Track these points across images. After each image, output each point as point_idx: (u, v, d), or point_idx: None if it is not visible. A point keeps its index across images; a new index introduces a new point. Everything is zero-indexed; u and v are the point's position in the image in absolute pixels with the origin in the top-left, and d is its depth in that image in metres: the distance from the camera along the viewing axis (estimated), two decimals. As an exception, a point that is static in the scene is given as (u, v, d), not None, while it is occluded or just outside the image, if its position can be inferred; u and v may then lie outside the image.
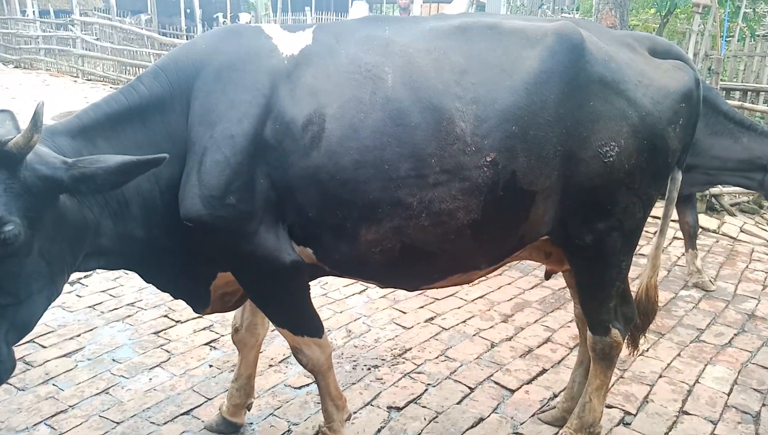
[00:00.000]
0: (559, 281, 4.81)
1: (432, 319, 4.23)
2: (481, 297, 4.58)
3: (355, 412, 3.16)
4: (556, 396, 3.34)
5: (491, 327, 4.12)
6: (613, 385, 3.40)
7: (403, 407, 3.22)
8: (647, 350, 3.80)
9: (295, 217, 2.27)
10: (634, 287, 3.02)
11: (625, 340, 2.93)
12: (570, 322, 4.17)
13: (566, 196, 2.38)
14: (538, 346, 3.88)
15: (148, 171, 2.00)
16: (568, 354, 3.77)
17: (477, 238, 2.36)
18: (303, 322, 2.56)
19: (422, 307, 4.40)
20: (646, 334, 3.11)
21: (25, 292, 1.93)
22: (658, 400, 3.34)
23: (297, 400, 3.27)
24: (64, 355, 3.61)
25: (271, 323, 2.85)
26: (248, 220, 2.20)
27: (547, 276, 3.10)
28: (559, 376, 3.53)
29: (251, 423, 3.07)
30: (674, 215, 4.32)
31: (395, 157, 2.19)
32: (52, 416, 3.06)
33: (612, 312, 2.72)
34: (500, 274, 4.91)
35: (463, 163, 2.22)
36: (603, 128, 2.32)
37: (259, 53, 2.28)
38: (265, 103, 2.19)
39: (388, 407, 3.22)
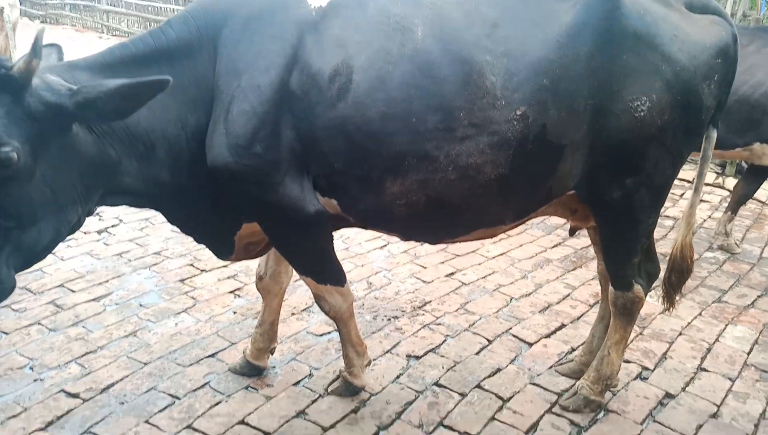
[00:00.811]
0: (581, 241, 4.80)
1: (452, 274, 4.25)
2: (502, 254, 4.58)
3: (374, 359, 3.23)
4: (573, 350, 3.37)
5: (511, 283, 4.14)
6: (632, 342, 3.41)
7: (422, 356, 3.28)
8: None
9: (321, 168, 2.27)
10: (664, 247, 3.00)
11: (660, 297, 2.94)
12: (591, 280, 4.17)
13: (595, 150, 2.36)
14: (558, 302, 3.90)
15: (151, 95, 1.95)
16: (588, 310, 3.78)
17: (503, 193, 2.35)
18: (326, 271, 2.60)
19: (443, 262, 4.42)
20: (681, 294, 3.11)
21: (28, 217, 1.94)
22: (677, 357, 3.35)
23: (318, 347, 3.34)
24: (93, 300, 3.72)
25: (294, 273, 2.91)
26: (274, 169, 2.22)
27: (572, 232, 3.09)
28: (578, 332, 3.55)
29: (274, 367, 3.15)
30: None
31: (423, 109, 2.18)
32: (82, 356, 3.18)
33: (635, 268, 2.72)
34: (522, 233, 4.91)
35: (492, 117, 2.20)
36: (635, 82, 2.28)
37: (287, 3, 2.27)
38: (292, 54, 2.18)
39: (407, 356, 3.28)
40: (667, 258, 2.85)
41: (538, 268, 4.39)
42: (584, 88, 2.25)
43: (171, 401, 2.87)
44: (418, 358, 3.26)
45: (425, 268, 4.34)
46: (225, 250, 2.60)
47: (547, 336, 3.51)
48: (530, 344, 3.42)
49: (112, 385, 2.96)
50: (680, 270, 2.88)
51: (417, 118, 2.18)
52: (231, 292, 3.92)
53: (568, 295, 4.01)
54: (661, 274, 2.91)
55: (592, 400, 2.84)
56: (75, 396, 2.87)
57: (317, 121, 2.18)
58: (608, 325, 2.95)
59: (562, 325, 3.63)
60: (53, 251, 4.08)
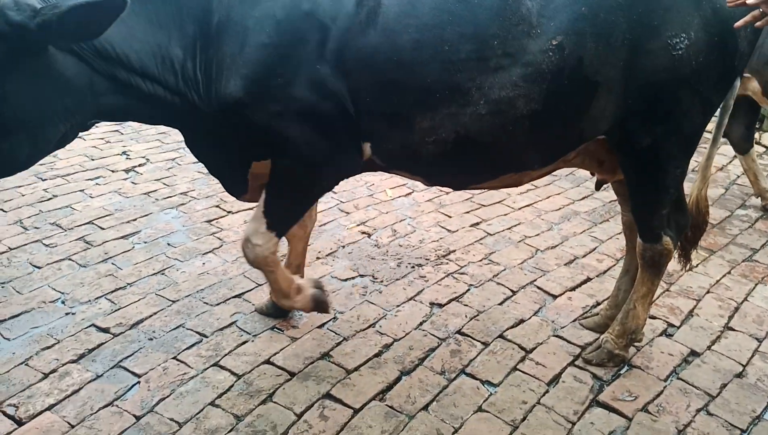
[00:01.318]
0: (609, 194, 4.70)
1: (477, 224, 4.22)
2: (528, 205, 4.53)
3: (398, 306, 3.25)
4: (599, 304, 3.35)
5: (537, 235, 4.10)
6: (658, 298, 3.38)
7: (445, 304, 3.29)
8: (696, 266, 3.73)
9: (352, 105, 2.18)
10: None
11: (676, 253, 2.89)
12: (618, 234, 4.11)
13: (629, 90, 2.27)
14: (584, 256, 3.86)
15: (109, 17, 1.84)
16: (614, 265, 3.74)
17: (535, 131, 2.27)
18: (288, 218, 2.55)
19: (468, 212, 4.39)
20: (697, 249, 3.06)
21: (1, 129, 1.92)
22: (704, 315, 3.32)
23: (343, 291, 3.37)
24: (122, 237, 3.77)
25: (316, 217, 2.92)
26: (295, 101, 2.13)
27: (598, 186, 3.02)
28: (603, 285, 3.52)
29: (298, 309, 3.19)
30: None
31: (456, 37, 2.08)
32: (112, 292, 3.24)
33: (664, 219, 2.65)
34: (549, 184, 4.83)
35: (527, 47, 2.11)
36: (675, 18, 2.19)
37: None
38: None
39: (430, 303, 3.29)
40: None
41: (564, 220, 4.33)
42: (622, 21, 2.16)
43: (198, 339, 2.93)
44: (441, 306, 3.28)
45: (450, 217, 4.31)
46: (237, 187, 2.55)
47: (572, 289, 3.49)
48: (554, 296, 3.41)
49: (141, 321, 3.03)
50: (696, 224, 2.85)
51: (450, 47, 2.08)
52: (256, 234, 3.94)
53: (595, 248, 3.96)
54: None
55: (616, 354, 2.83)
56: (105, 331, 2.94)
57: (347, 51, 2.09)
58: (634, 277, 2.90)
59: (588, 279, 3.61)
60: (82, 189, 4.12)
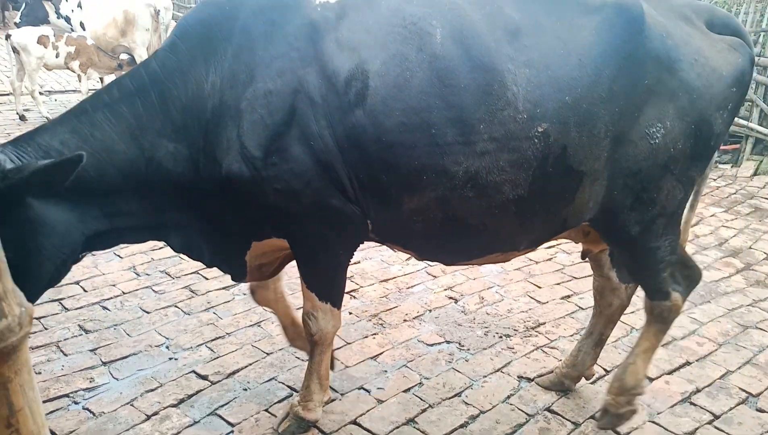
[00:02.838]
0: (710, 274, 4.51)
1: (569, 296, 4.15)
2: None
3: (484, 377, 3.22)
4: (699, 391, 3.18)
5: (633, 312, 3.95)
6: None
7: (534, 378, 3.23)
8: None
9: (344, 179, 2.17)
10: None
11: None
12: (720, 316, 3.92)
13: (613, 181, 2.28)
14: (683, 338, 3.69)
15: (68, 174, 1.84)
16: (716, 349, 3.55)
17: (520, 217, 2.28)
18: (332, 289, 2.52)
19: (559, 283, 4.32)
20: None
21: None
22: None
23: (429, 356, 3.38)
24: (224, 288, 3.99)
25: (281, 277, 2.91)
26: (296, 177, 2.12)
27: (584, 256, 2.98)
28: (704, 371, 3.35)
29: (386, 371, 3.23)
30: None
31: (442, 120, 2.06)
32: (212, 340, 3.42)
33: (668, 279, 2.61)
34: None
35: (512, 132, 2.11)
36: (653, 108, 2.20)
37: (290, 4, 2.13)
38: (302, 57, 2.06)
39: (518, 376, 3.25)
40: None
41: (661, 298, 4.17)
42: (605, 113, 2.17)
43: (289, 393, 3.02)
44: (530, 380, 3.22)
45: (540, 287, 4.26)
46: (239, 272, 2.53)
47: (670, 372, 3.34)
48: (651, 379, 3.27)
49: (238, 371, 3.16)
50: None
51: (436, 130, 2.07)
52: (347, 292, 4.05)
53: (695, 330, 3.78)
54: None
55: (621, 413, 2.74)
56: (204, 377, 3.10)
57: (338, 128, 2.08)
58: (597, 341, 2.95)
59: (687, 363, 3.44)
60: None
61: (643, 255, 2.51)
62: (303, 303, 2.57)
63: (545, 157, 2.15)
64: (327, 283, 2.51)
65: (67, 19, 8.73)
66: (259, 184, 2.12)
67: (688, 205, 2.66)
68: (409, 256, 2.67)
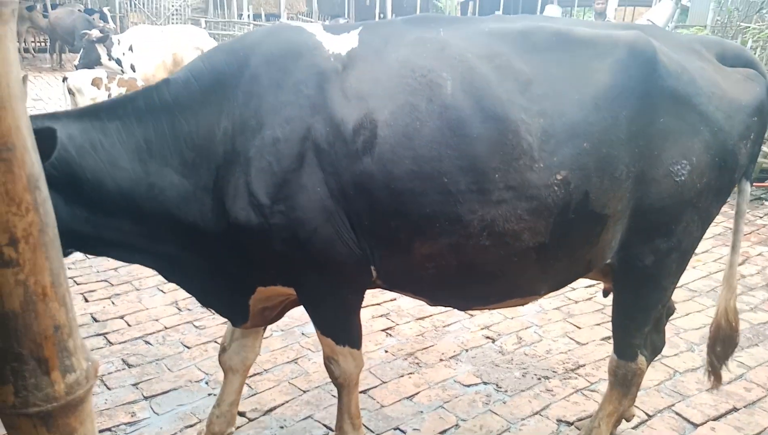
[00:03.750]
0: (758, 315, 4.38)
1: (609, 338, 4.05)
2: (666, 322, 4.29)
3: (522, 419, 3.17)
4: (747, 439, 3.07)
5: (675, 355, 3.86)
6: None
7: (574, 422, 3.16)
8: None
9: (352, 225, 2.16)
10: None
11: (705, 370, 2.82)
12: (769, 361, 3.79)
13: (635, 218, 2.26)
14: (729, 383, 3.57)
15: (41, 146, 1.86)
16: (765, 396, 3.42)
17: (542, 263, 2.24)
18: (348, 332, 2.47)
19: (599, 324, 4.25)
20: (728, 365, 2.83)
21: None
22: None
23: (466, 398, 3.35)
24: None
25: (258, 352, 2.84)
26: (302, 225, 2.11)
27: (605, 294, 2.92)
28: (753, 418, 3.23)
29: (421, 411, 3.21)
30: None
31: (454, 169, 2.05)
32: (250, 377, 3.45)
33: (644, 337, 2.60)
34: (688, 300, 4.58)
35: (530, 181, 2.08)
36: (674, 145, 2.18)
37: (301, 52, 2.15)
38: (311, 105, 2.07)
39: (557, 420, 3.19)
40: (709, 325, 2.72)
41: (706, 341, 4.05)
42: (625, 154, 2.14)
43: (325, 432, 3.03)
44: (569, 424, 3.16)
45: (579, 328, 4.19)
46: (239, 316, 2.48)
47: (716, 419, 3.23)
48: (696, 425, 3.17)
49: (274, 408, 3.19)
50: (726, 338, 2.70)
51: (448, 178, 2.05)
52: (383, 330, 4.07)
53: (742, 375, 3.66)
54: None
55: None
56: (242, 414, 3.13)
57: (344, 175, 2.08)
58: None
59: (734, 409, 3.32)
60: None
61: (646, 293, 2.48)
62: (322, 348, 2.55)
63: (567, 204, 2.14)
64: (340, 327, 2.47)
65: (119, 62, 9.15)
66: (266, 232, 2.11)
67: (731, 246, 2.63)
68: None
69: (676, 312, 4.42)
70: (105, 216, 2.11)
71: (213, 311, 2.56)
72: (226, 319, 2.58)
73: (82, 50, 9.37)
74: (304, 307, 2.49)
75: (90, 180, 2.05)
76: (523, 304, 2.60)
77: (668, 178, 2.21)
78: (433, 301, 2.55)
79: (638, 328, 2.57)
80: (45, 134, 1.74)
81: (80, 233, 2.09)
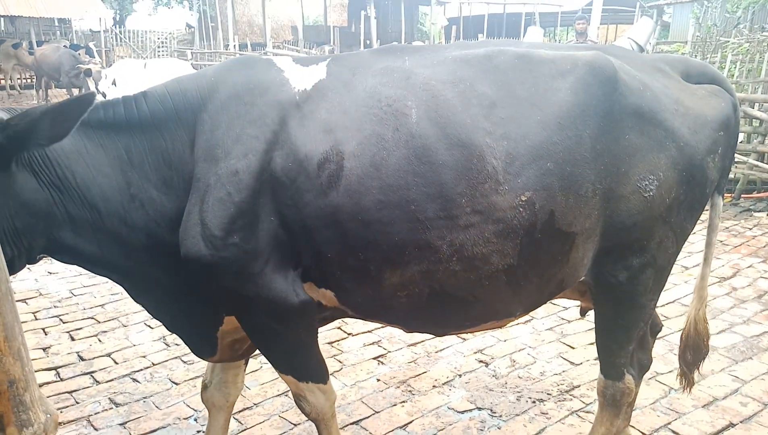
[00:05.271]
0: (751, 328, 4.36)
1: (602, 356, 4.03)
2: (660, 338, 4.26)
3: (518, 444, 3.12)
4: (745, 455, 3.02)
5: (670, 371, 3.83)
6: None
7: (570, 446, 3.12)
8: None
9: (313, 258, 2.15)
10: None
11: (677, 377, 2.87)
12: (764, 374, 3.76)
13: (606, 236, 2.26)
14: (724, 398, 3.54)
15: (80, 113, 1.88)
16: (762, 410, 3.39)
17: (513, 285, 2.23)
18: (309, 368, 2.41)
19: (592, 343, 4.18)
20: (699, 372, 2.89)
21: None
22: None
23: (460, 425, 3.30)
24: (252, 357, 3.98)
25: (240, 387, 2.81)
26: (253, 259, 2.09)
27: (583, 313, 2.94)
28: (749, 433, 3.19)
29: (416, 441, 3.16)
30: None
31: (422, 197, 2.06)
32: (240, 411, 3.40)
33: (629, 356, 2.60)
34: (682, 315, 4.55)
35: (496, 204, 2.09)
36: (641, 161, 2.19)
37: (268, 86, 2.17)
38: (273, 139, 2.08)
39: (553, 443, 3.14)
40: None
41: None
42: (591, 172, 2.15)
43: (317, 466, 2.96)
44: (565, 447, 3.11)
45: (573, 347, 4.16)
46: (206, 348, 2.42)
47: (713, 436, 3.19)
48: (693, 444, 3.13)
49: (265, 443, 3.12)
50: (695, 346, 2.74)
51: (416, 206, 2.06)
52: (375, 358, 4.02)
53: (737, 389, 3.63)
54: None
55: None
56: (232, 451, 3.06)
57: (306, 209, 2.07)
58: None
59: (731, 425, 3.28)
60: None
61: (624, 311, 2.47)
62: (288, 385, 2.49)
63: (533, 224, 2.13)
64: (299, 364, 2.40)
65: (104, 96, 9.19)
66: (216, 264, 2.08)
67: (703, 259, 2.65)
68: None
69: (669, 328, 4.42)
70: (84, 226, 2.10)
71: (178, 337, 2.48)
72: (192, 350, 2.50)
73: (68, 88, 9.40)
74: (258, 348, 2.43)
75: (79, 185, 2.07)
76: (500, 327, 2.58)
77: (637, 194, 2.21)
78: (408, 329, 2.54)
79: (621, 347, 2.55)
80: (89, 99, 1.86)
81: (55, 239, 2.08)
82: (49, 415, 1.07)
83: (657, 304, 2.62)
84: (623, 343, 2.55)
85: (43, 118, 1.87)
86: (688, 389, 2.87)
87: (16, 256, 2.02)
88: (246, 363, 2.82)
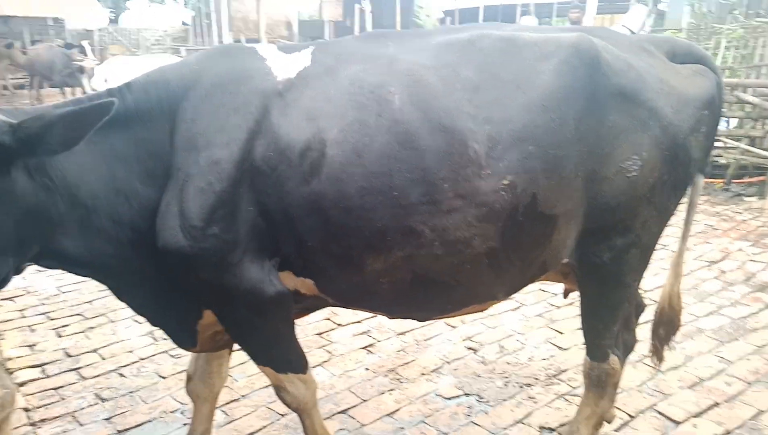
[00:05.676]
0: (738, 310, 4.37)
1: (591, 340, 4.03)
2: (646, 322, 4.27)
3: (504, 429, 3.13)
4: (729, 433, 3.03)
5: (657, 354, 3.83)
6: None
7: (556, 429, 3.12)
8: None
9: (293, 247, 2.14)
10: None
11: (649, 352, 2.90)
12: (750, 354, 3.76)
13: (590, 217, 2.25)
14: (710, 378, 3.55)
15: (97, 120, 1.83)
16: (746, 389, 3.40)
17: (495, 268, 2.22)
18: (287, 359, 2.41)
19: (580, 328, 4.19)
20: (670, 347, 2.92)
21: None
22: None
23: (447, 410, 3.31)
24: (239, 349, 3.98)
25: (225, 378, 2.81)
26: (231, 250, 2.07)
27: (566, 295, 2.95)
28: (733, 412, 3.20)
29: (402, 428, 3.16)
30: None
31: (405, 182, 2.04)
32: (227, 403, 3.40)
33: (614, 337, 2.60)
34: (670, 299, 4.56)
35: (478, 188, 2.07)
36: (624, 142, 2.18)
37: (251, 74, 2.15)
38: (255, 128, 2.06)
39: (540, 427, 3.14)
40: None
41: (687, 338, 4.03)
42: (574, 154, 2.13)
43: (303, 455, 2.96)
44: (552, 430, 3.11)
45: (561, 333, 4.16)
46: (187, 339, 2.40)
47: (697, 415, 3.20)
48: (677, 423, 3.14)
49: (253, 433, 3.13)
50: (669, 322, 2.78)
51: (399, 192, 2.04)
52: (364, 347, 4.02)
53: (723, 370, 3.63)
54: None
55: None
56: (218, 442, 3.07)
57: (288, 197, 2.05)
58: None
59: (715, 404, 3.29)
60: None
61: (610, 291, 2.48)
62: (268, 377, 2.49)
63: (514, 208, 2.12)
64: (277, 355, 2.41)
65: (95, 95, 9.18)
66: (194, 255, 2.05)
67: (681, 236, 2.67)
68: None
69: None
70: (75, 227, 2.04)
71: (161, 330, 2.47)
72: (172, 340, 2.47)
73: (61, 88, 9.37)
74: (235, 340, 2.41)
75: (76, 185, 2.01)
76: (482, 310, 2.58)
77: (620, 174, 2.20)
78: (391, 315, 2.53)
79: (606, 327, 2.56)
80: (108, 106, 1.83)
81: (45, 246, 2.02)
82: (7, 390, 1.07)
83: (646, 289, 2.62)
84: (609, 323, 2.56)
85: (58, 122, 1.79)
86: (660, 365, 2.92)
87: (12, 267, 1.94)
88: (230, 353, 2.82)
